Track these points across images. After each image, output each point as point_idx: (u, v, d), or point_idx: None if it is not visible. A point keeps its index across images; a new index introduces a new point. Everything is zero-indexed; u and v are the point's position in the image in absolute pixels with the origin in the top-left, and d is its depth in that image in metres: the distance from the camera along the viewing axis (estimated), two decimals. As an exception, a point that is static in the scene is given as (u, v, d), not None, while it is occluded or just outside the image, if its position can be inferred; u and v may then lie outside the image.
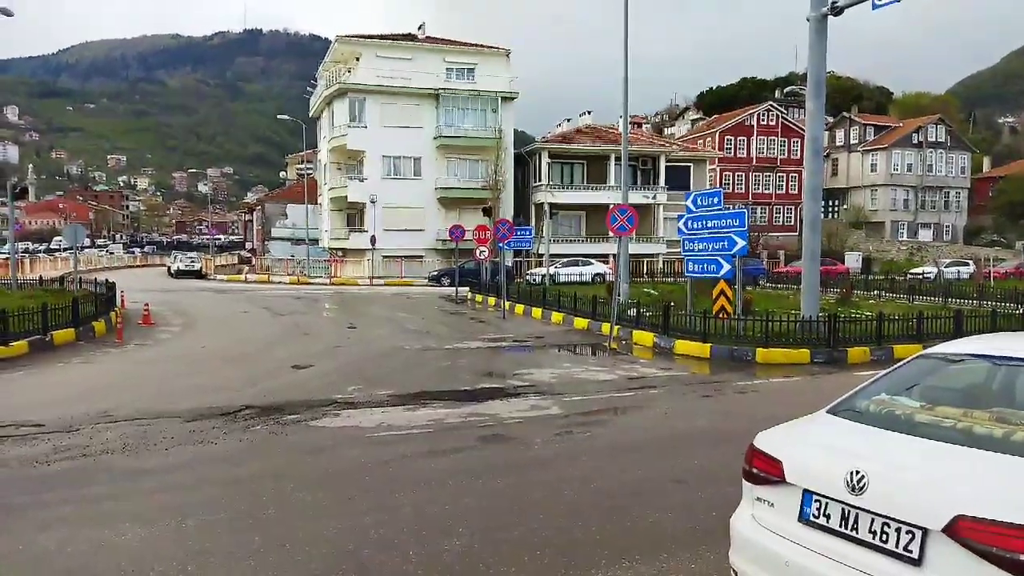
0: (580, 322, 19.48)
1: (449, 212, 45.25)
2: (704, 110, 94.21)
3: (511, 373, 11.98)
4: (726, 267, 15.60)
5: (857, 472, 2.92)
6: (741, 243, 15.36)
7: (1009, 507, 2.53)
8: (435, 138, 45.21)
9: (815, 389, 10.94)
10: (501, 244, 25.30)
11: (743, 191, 65.49)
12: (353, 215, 48.11)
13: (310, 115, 53.89)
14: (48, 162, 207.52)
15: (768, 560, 3.19)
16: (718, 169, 63.73)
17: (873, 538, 2.85)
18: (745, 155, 66.58)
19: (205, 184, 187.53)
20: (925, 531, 2.69)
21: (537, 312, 22.70)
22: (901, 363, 3.91)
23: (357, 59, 45.54)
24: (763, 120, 67.23)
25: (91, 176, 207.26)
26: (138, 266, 70.08)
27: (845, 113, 70.80)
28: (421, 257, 45.12)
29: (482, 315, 23.32)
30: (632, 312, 17.49)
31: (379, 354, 14.15)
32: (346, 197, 45.42)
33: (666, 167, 48.30)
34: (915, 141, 66.56)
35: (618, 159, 40.17)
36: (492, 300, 26.80)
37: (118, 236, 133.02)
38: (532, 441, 7.57)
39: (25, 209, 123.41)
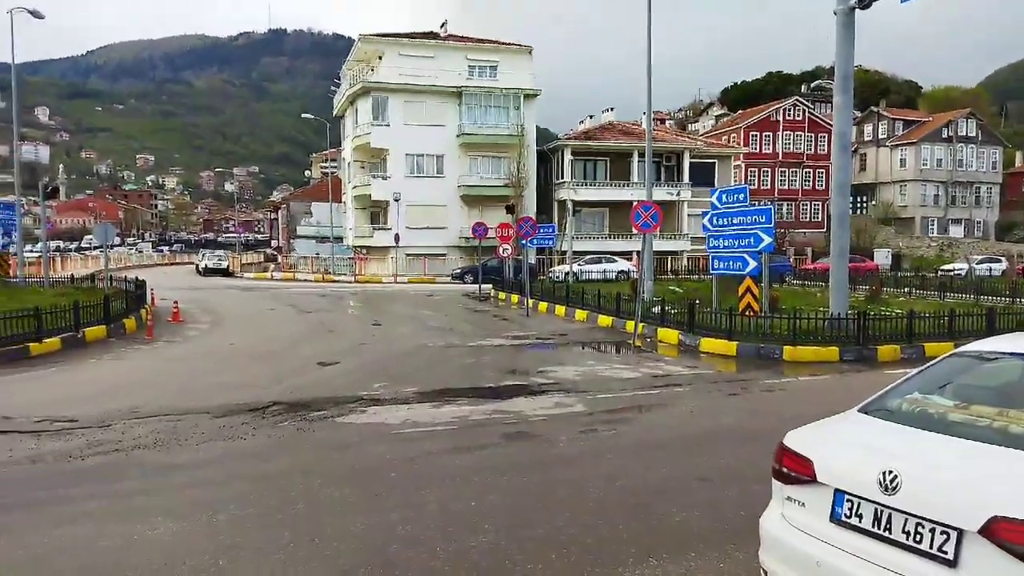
0: (604, 320, 19.41)
1: (472, 210, 45.37)
2: (728, 105, 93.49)
3: (535, 371, 11.97)
4: (752, 264, 15.47)
5: (890, 472, 2.89)
6: (767, 240, 15.21)
7: (1048, 508, 2.48)
8: (458, 136, 45.32)
9: (844, 387, 10.80)
10: (524, 241, 25.29)
11: (769, 187, 64.85)
12: (377, 213, 48.41)
13: (334, 114, 54.27)
14: (78, 162, 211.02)
15: (799, 560, 3.16)
16: (743, 165, 63.14)
17: (906, 539, 2.81)
18: (771, 151, 65.87)
19: (232, 183, 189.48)
20: (960, 532, 2.65)
21: (560, 310, 22.66)
22: (933, 361, 3.85)
23: (380, 58, 45.75)
24: (789, 115, 66.46)
25: (120, 176, 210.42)
26: (167, 264, 71.21)
27: (873, 107, 69.74)
28: (444, 255, 45.31)
29: (505, 312, 23.34)
30: (656, 310, 17.38)
31: (403, 352, 14.23)
32: (370, 195, 45.71)
33: (690, 163, 48.01)
34: (945, 135, 65.39)
35: (641, 156, 39.94)
36: (515, 297, 26.81)
37: (147, 235, 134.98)
38: (557, 439, 7.57)
39: (56, 208, 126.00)
